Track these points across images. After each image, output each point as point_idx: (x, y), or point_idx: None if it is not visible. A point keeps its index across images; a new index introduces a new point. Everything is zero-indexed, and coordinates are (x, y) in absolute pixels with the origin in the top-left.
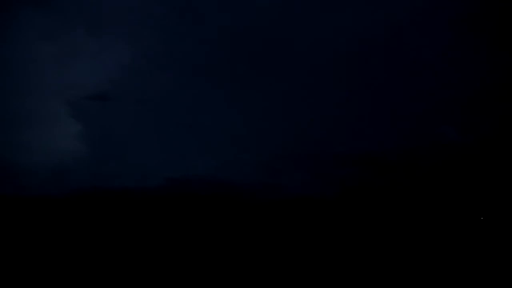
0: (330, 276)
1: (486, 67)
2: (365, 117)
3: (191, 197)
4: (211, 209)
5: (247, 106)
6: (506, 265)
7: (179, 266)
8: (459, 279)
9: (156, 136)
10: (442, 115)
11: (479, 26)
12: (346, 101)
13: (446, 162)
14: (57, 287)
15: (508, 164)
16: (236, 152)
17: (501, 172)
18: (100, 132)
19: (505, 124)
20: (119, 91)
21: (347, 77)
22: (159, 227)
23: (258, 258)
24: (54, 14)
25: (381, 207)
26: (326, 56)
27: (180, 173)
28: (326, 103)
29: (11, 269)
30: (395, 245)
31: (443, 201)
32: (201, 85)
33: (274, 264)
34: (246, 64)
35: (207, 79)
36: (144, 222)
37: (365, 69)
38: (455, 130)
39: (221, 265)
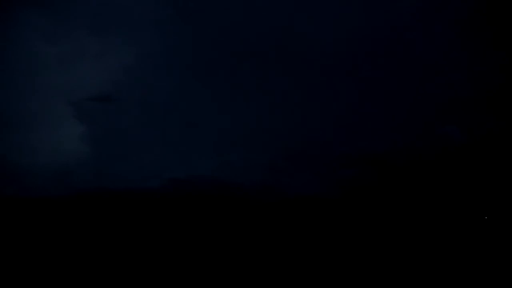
0: (333, 275)
1: (489, 67)
2: (368, 117)
3: (193, 198)
4: (214, 209)
5: (250, 107)
6: (509, 265)
7: (181, 265)
8: (462, 278)
9: (159, 137)
10: (446, 115)
11: (482, 26)
12: (349, 101)
13: (450, 161)
14: (63, 285)
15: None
16: (239, 152)
17: (505, 171)
18: (103, 133)
19: (509, 123)
20: (121, 93)
21: (349, 78)
22: (162, 227)
23: (261, 258)
24: (58, 16)
25: (385, 207)
26: (329, 57)
27: (183, 174)
28: (329, 104)
29: (16, 268)
30: (398, 244)
31: (446, 200)
32: (203, 86)
33: (278, 264)
34: (248, 66)
35: (209, 80)
36: (147, 222)
37: (368, 70)
38: (458, 130)
39: (224, 265)
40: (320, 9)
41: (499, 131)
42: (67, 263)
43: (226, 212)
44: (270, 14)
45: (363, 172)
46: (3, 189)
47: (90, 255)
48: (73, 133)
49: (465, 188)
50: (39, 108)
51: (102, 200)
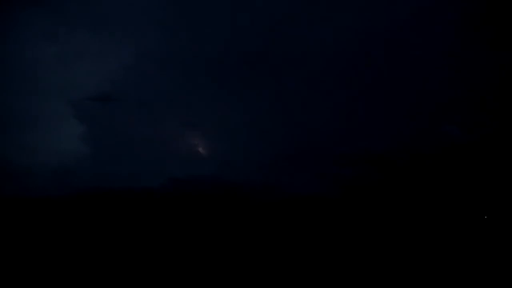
0: (334, 274)
1: (489, 67)
2: (368, 117)
3: (193, 197)
4: (214, 209)
5: (250, 107)
6: (508, 263)
7: (181, 264)
8: (462, 277)
9: (159, 137)
10: (446, 114)
11: (482, 26)
12: (349, 101)
13: (450, 160)
14: (63, 285)
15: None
16: (238, 152)
17: (505, 170)
18: (103, 132)
19: (509, 123)
20: (121, 92)
21: (349, 78)
22: (162, 226)
23: (261, 257)
24: (57, 16)
25: (385, 206)
26: (329, 57)
27: (183, 173)
28: (329, 103)
29: (16, 268)
30: (399, 243)
31: (446, 199)
32: (203, 86)
33: (277, 262)
34: (247, 65)
35: (209, 80)
36: (147, 222)
37: (368, 70)
38: (458, 129)
39: (224, 264)
40: (321, 10)
41: (499, 131)
42: (68, 263)
43: (226, 211)
44: (270, 15)
45: (363, 172)
46: (3, 189)
47: (91, 254)
48: (73, 133)
49: (465, 187)
50: (39, 108)
51: (102, 199)
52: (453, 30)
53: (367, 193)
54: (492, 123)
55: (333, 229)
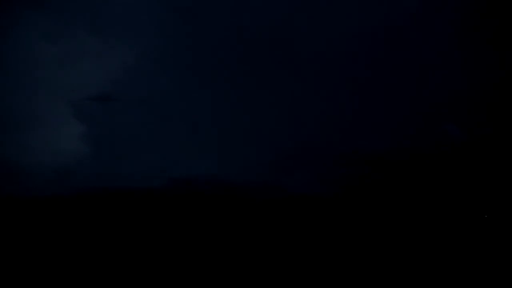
0: (333, 274)
1: (489, 66)
2: (368, 116)
3: (194, 197)
4: (214, 209)
5: (249, 106)
6: (508, 264)
7: (182, 265)
8: (462, 277)
9: (159, 136)
10: (445, 114)
11: (482, 25)
12: (347, 100)
13: (450, 160)
14: (63, 285)
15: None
16: (238, 152)
17: (505, 170)
18: (103, 132)
19: (509, 122)
20: (121, 92)
21: (348, 76)
22: (163, 226)
23: (260, 257)
24: (56, 15)
25: (385, 206)
26: (327, 56)
27: (184, 173)
28: (327, 102)
29: (16, 268)
30: (398, 243)
31: (446, 199)
32: (203, 85)
33: (276, 263)
34: (247, 65)
35: (210, 79)
36: (148, 222)
37: (367, 69)
38: (458, 129)
39: (224, 264)
40: (320, 8)
41: (499, 131)
42: (68, 263)
43: (227, 211)
44: (270, 14)
45: (363, 171)
46: (3, 189)
47: (91, 255)
48: (73, 133)
49: (465, 186)
50: (39, 108)
51: (103, 200)
52: (453, 29)
53: (367, 192)
54: (492, 123)
55: (334, 229)
